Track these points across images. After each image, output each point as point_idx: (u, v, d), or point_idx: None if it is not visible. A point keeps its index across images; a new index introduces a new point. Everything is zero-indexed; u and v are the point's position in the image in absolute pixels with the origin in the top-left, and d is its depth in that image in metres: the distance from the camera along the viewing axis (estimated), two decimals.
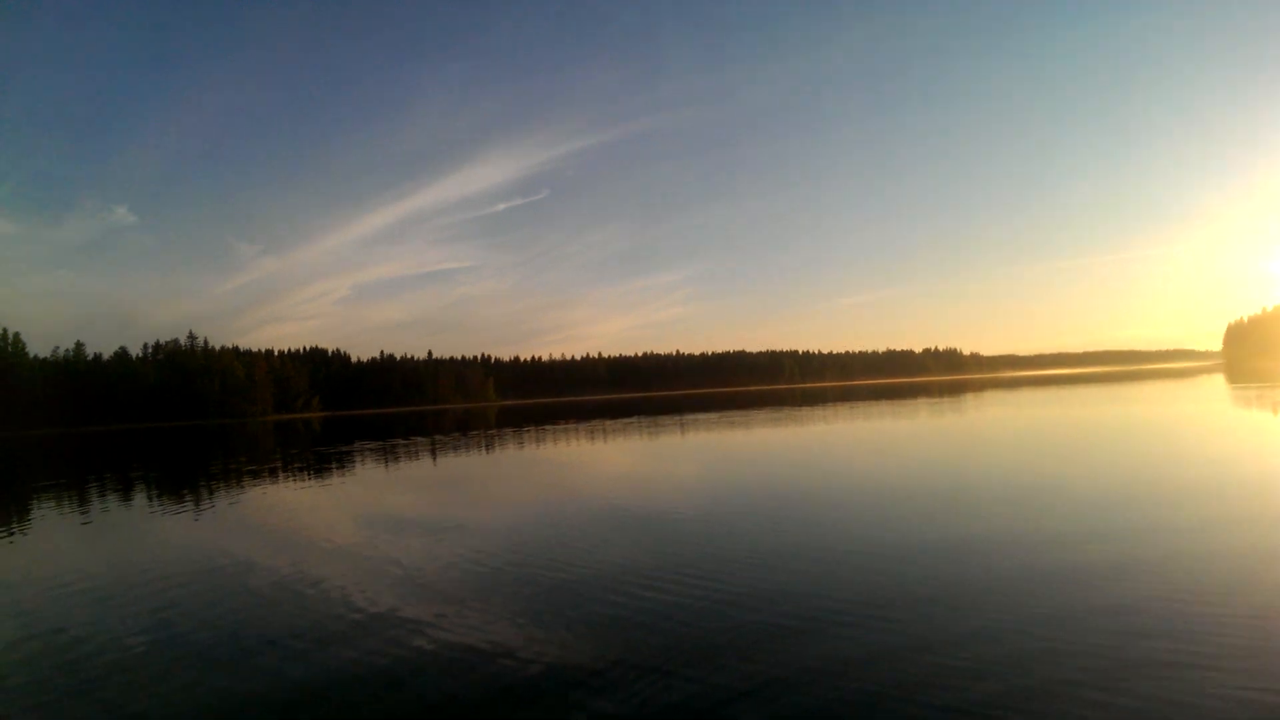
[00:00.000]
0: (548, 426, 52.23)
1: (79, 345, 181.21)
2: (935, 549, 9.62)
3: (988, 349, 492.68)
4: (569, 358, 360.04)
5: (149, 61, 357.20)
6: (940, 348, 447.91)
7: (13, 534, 15.47)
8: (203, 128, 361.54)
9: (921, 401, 60.54)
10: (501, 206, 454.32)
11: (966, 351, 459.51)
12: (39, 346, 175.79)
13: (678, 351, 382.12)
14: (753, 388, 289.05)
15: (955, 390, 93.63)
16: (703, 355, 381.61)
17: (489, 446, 35.01)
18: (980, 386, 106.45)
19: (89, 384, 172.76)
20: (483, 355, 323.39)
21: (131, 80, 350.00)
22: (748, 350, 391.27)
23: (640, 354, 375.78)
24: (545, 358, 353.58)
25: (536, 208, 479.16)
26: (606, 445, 32.43)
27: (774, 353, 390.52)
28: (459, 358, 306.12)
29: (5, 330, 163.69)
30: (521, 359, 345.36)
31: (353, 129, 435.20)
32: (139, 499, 20.60)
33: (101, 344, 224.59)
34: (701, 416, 54.53)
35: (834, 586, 8.21)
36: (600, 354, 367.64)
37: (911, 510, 12.48)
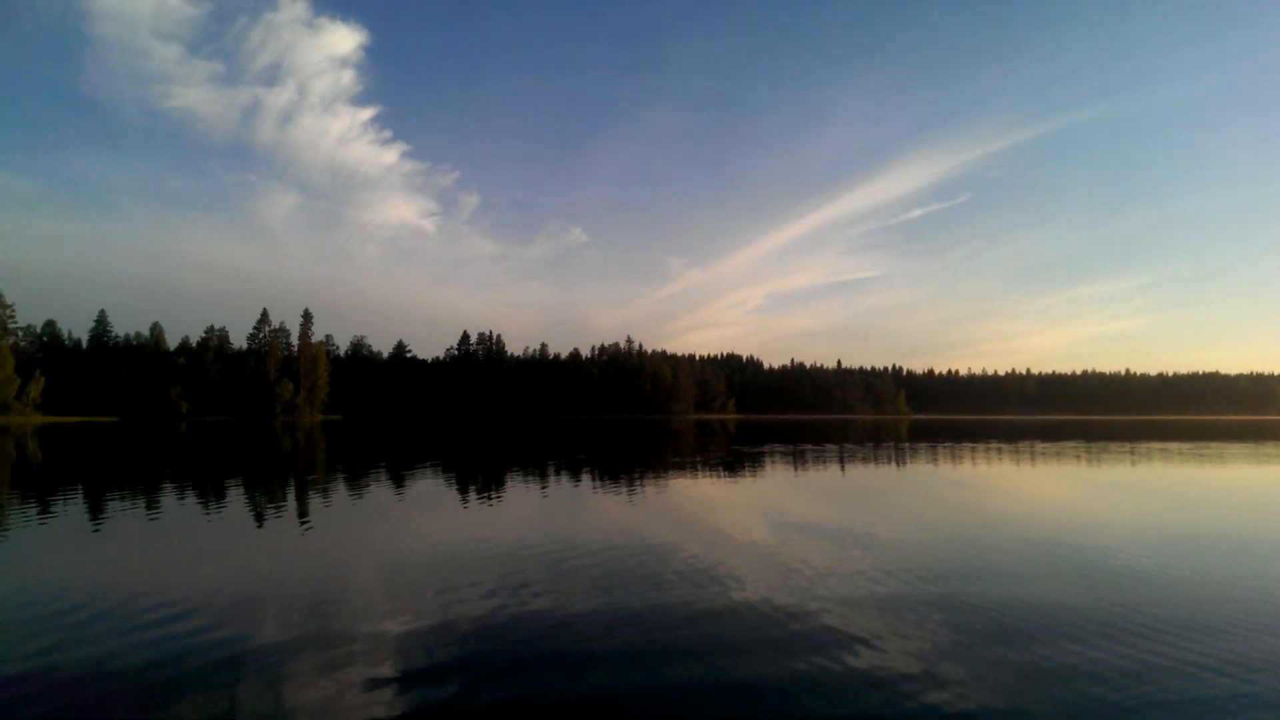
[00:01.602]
0: (967, 444, 48.26)
1: (543, 346, 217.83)
2: None
3: None
4: (990, 372, 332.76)
5: (597, 105, 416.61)
6: None
7: (492, 501, 18.57)
8: (640, 157, 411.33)
9: None
10: (917, 213, 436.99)
11: None
12: (514, 346, 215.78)
13: (1127, 371, 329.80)
14: (1229, 417, 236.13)
15: None
16: (1159, 376, 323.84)
17: (901, 460, 33.32)
18: None
19: (550, 378, 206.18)
20: (894, 366, 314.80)
21: (584, 121, 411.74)
22: (1222, 372, 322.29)
23: (1077, 371, 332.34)
24: (963, 371, 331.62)
25: (955, 213, 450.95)
26: (1041, 470, 28.65)
27: (1260, 376, 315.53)
28: (869, 368, 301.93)
29: (492, 332, 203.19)
30: (936, 372, 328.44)
31: (770, 145, 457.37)
32: (584, 479, 23.40)
33: (560, 345, 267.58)
34: (1161, 446, 45.76)
35: None
36: (1028, 370, 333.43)
37: None
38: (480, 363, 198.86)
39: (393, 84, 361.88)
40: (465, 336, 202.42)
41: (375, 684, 6.02)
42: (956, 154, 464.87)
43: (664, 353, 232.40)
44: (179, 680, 6.07)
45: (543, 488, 20.79)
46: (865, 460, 33.25)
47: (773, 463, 30.91)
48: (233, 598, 8.58)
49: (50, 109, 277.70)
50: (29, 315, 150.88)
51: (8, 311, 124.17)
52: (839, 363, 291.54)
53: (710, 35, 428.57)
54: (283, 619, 7.75)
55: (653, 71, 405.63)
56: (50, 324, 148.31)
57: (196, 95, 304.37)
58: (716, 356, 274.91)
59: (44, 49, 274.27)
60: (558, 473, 25.42)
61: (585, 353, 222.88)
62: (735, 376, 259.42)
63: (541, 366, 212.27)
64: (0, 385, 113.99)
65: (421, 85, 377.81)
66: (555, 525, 14.44)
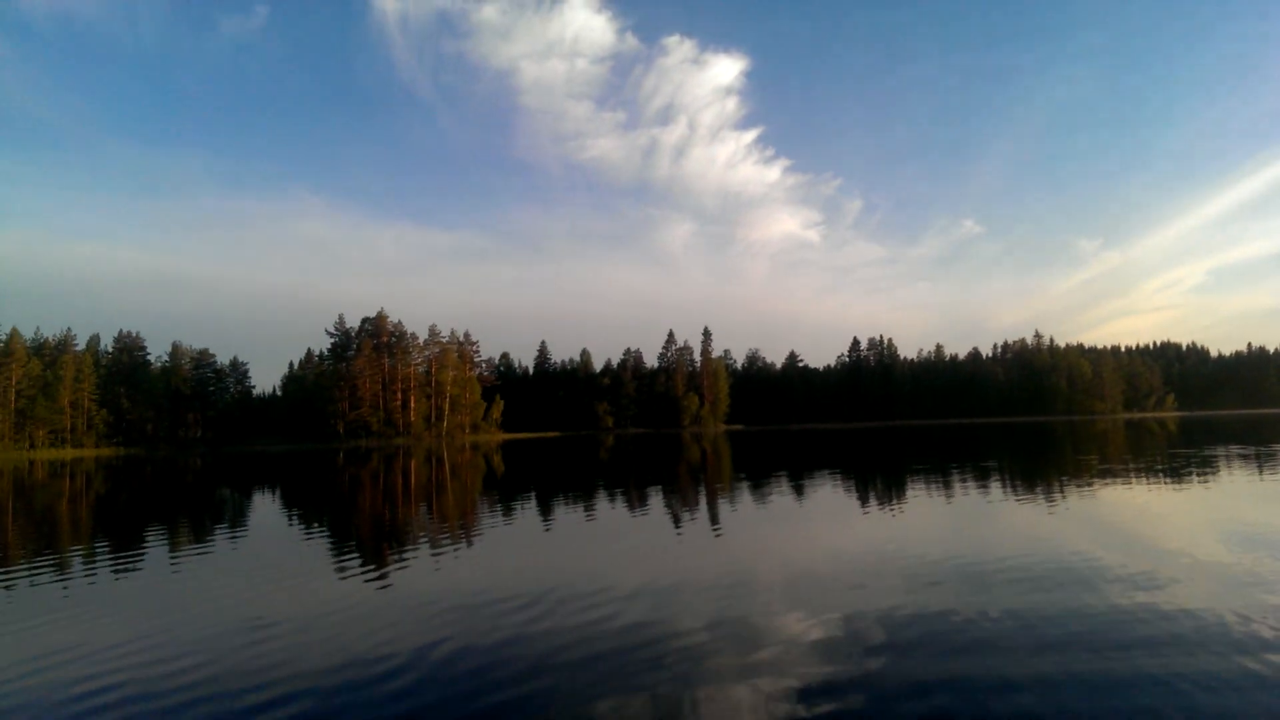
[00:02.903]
0: None
1: (938, 347, 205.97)
2: None
3: None
4: None
5: (982, 84, 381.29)
6: None
7: (894, 509, 17.81)
8: (1033, 134, 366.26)
9: None
10: None
11: None
12: (906, 349, 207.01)
13: None
14: None
15: None
16: None
17: None
18: None
19: (946, 381, 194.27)
20: None
21: (966, 107, 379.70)
22: None
23: None
24: None
25: None
26: None
27: None
28: None
29: (883, 337, 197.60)
30: None
31: (1202, 91, 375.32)
32: (993, 487, 21.34)
33: (956, 345, 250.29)
34: None
35: None
36: None
37: None
38: (871, 368, 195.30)
39: (772, 103, 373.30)
40: (855, 343, 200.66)
41: (784, 691, 5.92)
42: None
43: (1080, 346, 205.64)
44: (604, 674, 6.59)
45: (947, 495, 19.40)
46: None
47: (1228, 468, 25.20)
48: (653, 597, 9.21)
49: (494, 173, 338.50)
50: (489, 350, 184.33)
51: (474, 348, 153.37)
52: None
53: None
54: (698, 618, 8.10)
55: (1043, 39, 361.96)
56: (505, 356, 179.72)
57: (605, 144, 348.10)
58: (1147, 346, 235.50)
59: (486, 123, 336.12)
60: (962, 480, 23.56)
61: (986, 352, 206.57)
62: (1173, 368, 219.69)
63: (937, 369, 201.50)
64: (471, 409, 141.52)
65: (800, 99, 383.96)
66: (963, 534, 13.33)
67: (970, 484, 22.30)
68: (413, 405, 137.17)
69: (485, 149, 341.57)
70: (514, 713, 5.75)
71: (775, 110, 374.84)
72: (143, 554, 14.38)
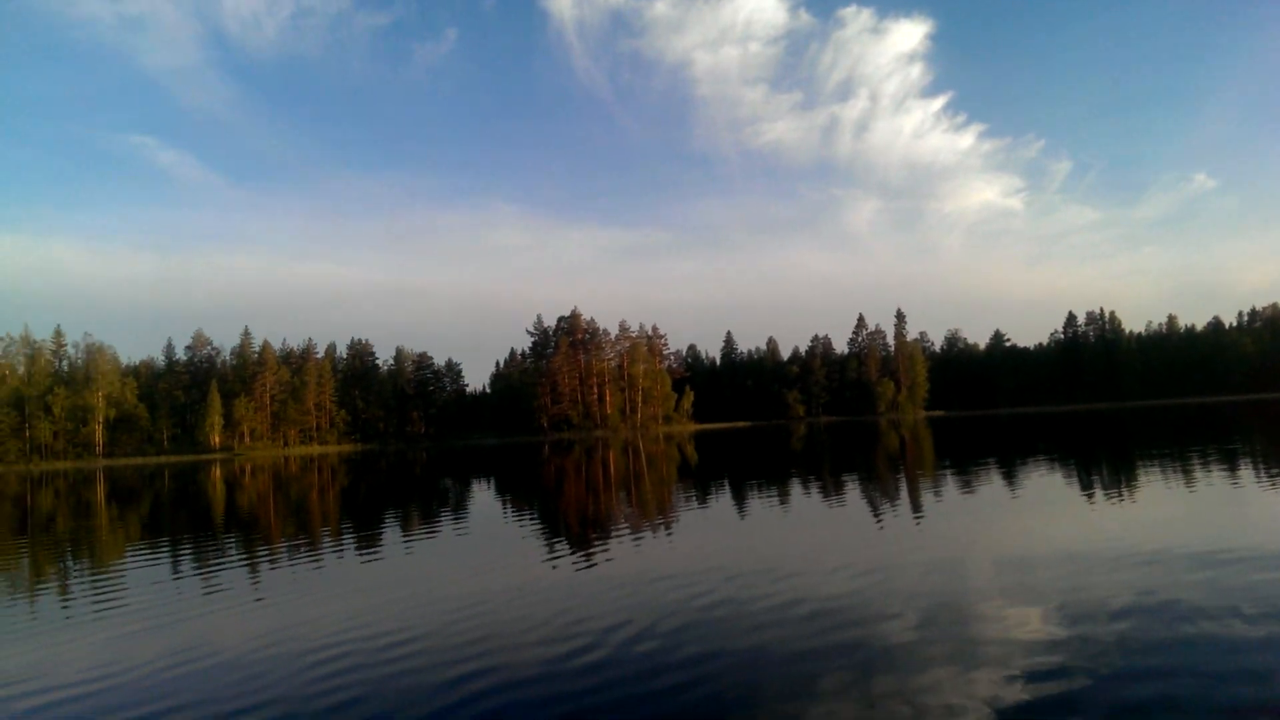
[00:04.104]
0: None
1: (1171, 318, 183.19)
2: None
3: None
4: None
5: (1204, 22, 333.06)
6: None
7: (1123, 499, 16.30)
8: (1273, 71, 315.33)
9: None
10: None
11: None
12: (1131, 322, 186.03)
13: None
14: None
15: None
16: None
17: None
18: None
19: (1181, 356, 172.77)
20: None
21: (1191, 47, 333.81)
22: None
23: None
24: None
25: None
26: None
27: None
28: None
29: (1103, 310, 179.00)
30: None
31: None
32: (1243, 472, 18.90)
33: (1192, 315, 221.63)
34: None
35: None
36: None
37: None
38: (1091, 345, 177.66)
39: (962, 66, 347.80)
40: (1070, 317, 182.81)
41: (1000, 689, 5.70)
42: None
43: None
44: (799, 668, 6.64)
45: (1187, 482, 17.34)
46: None
47: None
48: (853, 587, 9.11)
49: (672, 168, 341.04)
50: (676, 342, 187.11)
51: (662, 341, 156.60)
52: None
53: None
54: (903, 608, 7.94)
55: None
56: (692, 348, 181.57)
57: (782, 127, 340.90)
58: None
59: (663, 118, 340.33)
60: (1204, 465, 21.03)
61: (1229, 320, 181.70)
62: None
63: (1169, 343, 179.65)
64: (662, 401, 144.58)
65: (992, 58, 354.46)
66: (1202, 523, 11.97)
67: (1214, 470, 19.87)
68: (608, 399, 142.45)
69: (663, 144, 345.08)
70: (700, 699, 5.94)
71: (965, 73, 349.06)
72: (380, 538, 16.21)
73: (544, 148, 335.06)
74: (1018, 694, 5.53)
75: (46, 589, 12.33)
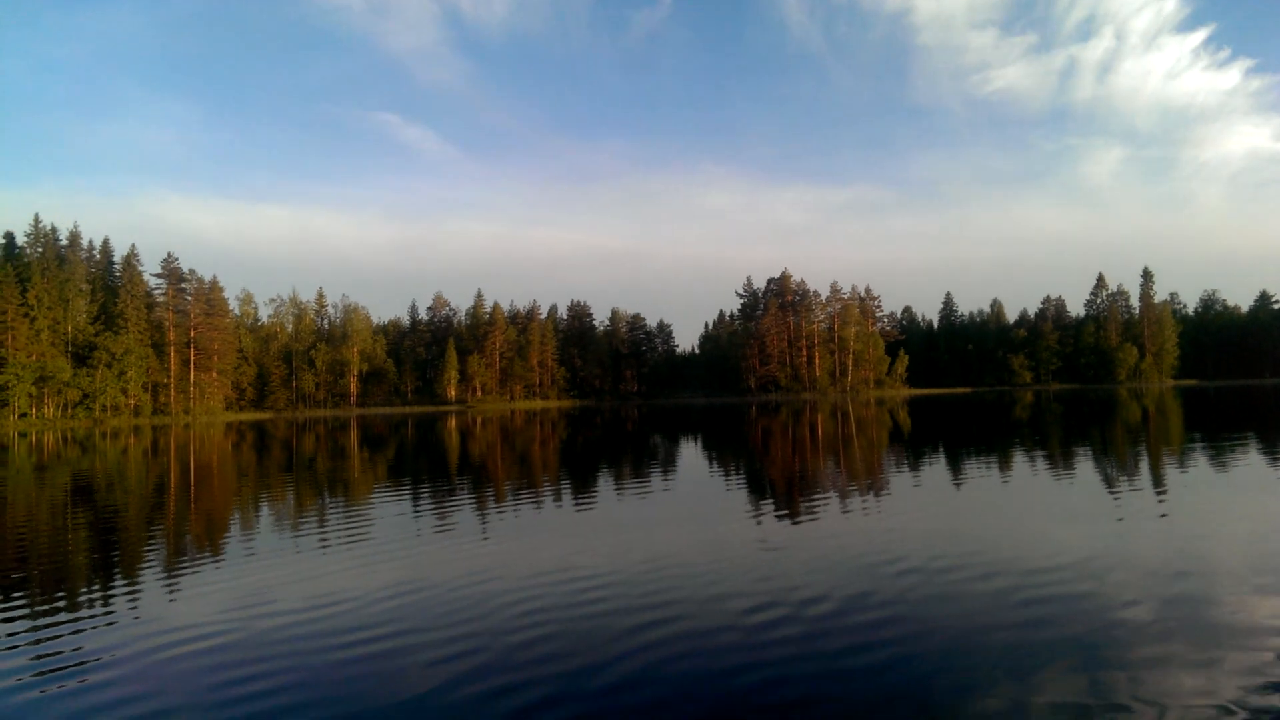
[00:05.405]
0: None
1: None
2: None
3: None
4: None
5: None
6: None
7: None
8: None
9: None
10: None
11: None
12: None
13: None
14: None
15: None
16: None
17: None
18: None
19: None
20: None
21: None
22: None
23: None
24: None
25: None
26: None
27: None
28: None
29: None
30: None
31: None
32: None
33: None
34: None
35: None
36: None
37: None
38: None
39: None
40: None
41: (1246, 695, 4.70)
42: None
43: None
44: (1027, 655, 5.94)
45: None
46: None
47: None
48: (1079, 577, 8.10)
49: (888, 122, 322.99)
50: (890, 304, 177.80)
51: (875, 303, 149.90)
52: None
53: None
54: (1140, 601, 6.95)
55: None
56: (907, 310, 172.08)
57: (1013, 73, 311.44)
58: None
59: (879, 70, 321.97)
60: None
61: None
62: None
63: None
64: (874, 364, 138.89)
65: None
66: None
67: None
68: (817, 361, 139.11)
69: (879, 98, 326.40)
70: (896, 686, 5.53)
71: (1230, 2, 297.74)
72: (595, 488, 16.87)
73: (755, 108, 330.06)
74: (1263, 699, 4.57)
75: (307, 519, 13.96)
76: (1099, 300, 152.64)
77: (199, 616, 7.47)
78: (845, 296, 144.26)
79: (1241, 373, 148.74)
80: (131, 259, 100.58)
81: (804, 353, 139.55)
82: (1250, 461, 17.39)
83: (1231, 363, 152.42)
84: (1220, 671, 5.20)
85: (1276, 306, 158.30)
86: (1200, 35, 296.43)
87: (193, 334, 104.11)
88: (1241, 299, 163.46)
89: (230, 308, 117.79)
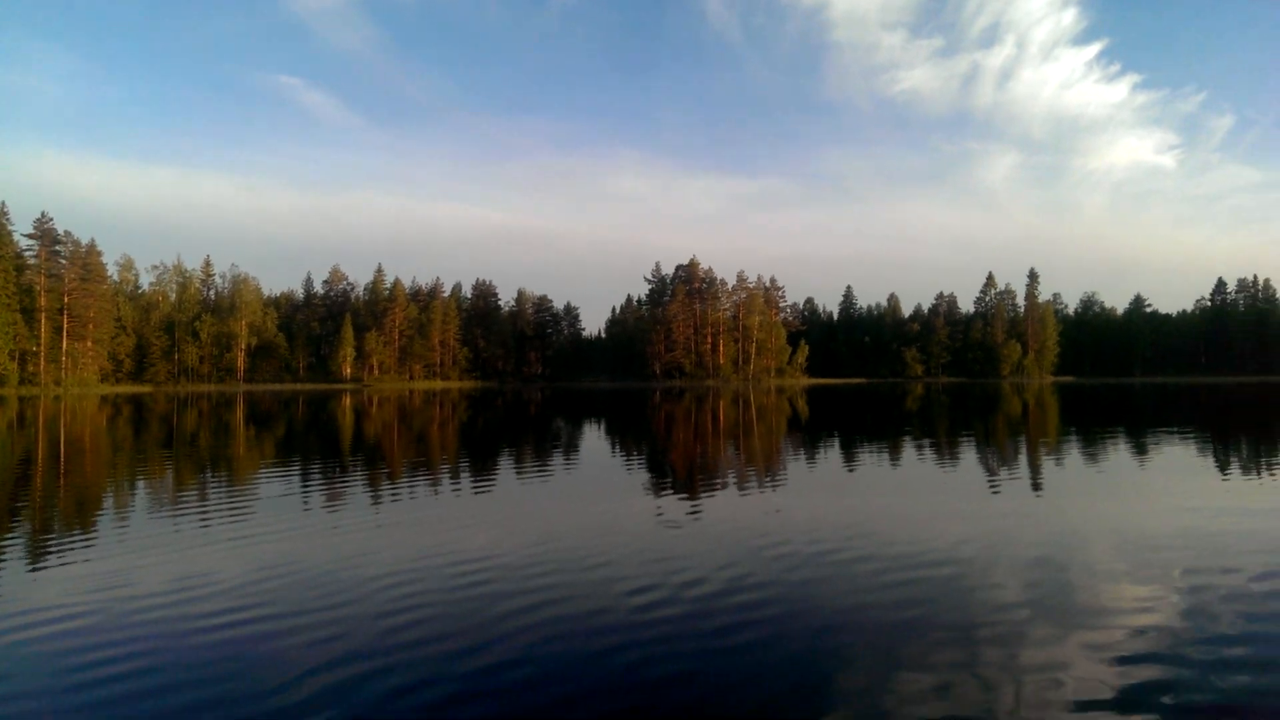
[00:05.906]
0: None
1: None
2: None
3: None
4: None
5: None
6: None
7: (1261, 476, 14.75)
8: None
9: None
10: None
11: None
12: None
13: None
14: None
15: None
16: None
17: None
18: None
19: None
20: None
21: None
22: None
23: None
24: None
25: None
26: None
27: None
28: None
29: (1257, 277, 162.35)
30: None
31: None
32: None
33: None
34: None
35: None
36: None
37: None
38: (1241, 314, 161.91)
39: (1120, 10, 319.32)
40: (1220, 284, 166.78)
41: (1101, 671, 5.22)
42: None
43: None
44: (904, 632, 6.33)
45: None
46: None
47: None
48: (956, 559, 8.63)
49: (800, 116, 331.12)
50: (794, 295, 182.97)
51: (779, 293, 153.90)
52: None
53: None
54: (1009, 584, 7.46)
55: None
56: (810, 301, 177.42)
57: (919, 75, 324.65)
58: None
59: (794, 64, 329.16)
60: None
61: None
62: None
63: None
64: (776, 354, 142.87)
65: (1154, 1, 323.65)
66: None
67: None
68: (721, 349, 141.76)
69: (792, 92, 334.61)
70: (776, 662, 5.75)
71: (1124, 18, 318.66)
72: (493, 471, 16.75)
73: (670, 95, 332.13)
74: (1118, 676, 5.08)
75: (186, 498, 13.35)
76: (988, 298, 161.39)
77: (63, 596, 7.06)
78: (751, 286, 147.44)
79: (1114, 371, 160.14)
80: (0, 217, 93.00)
81: (709, 340, 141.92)
82: (1119, 455, 18.78)
83: (1106, 361, 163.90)
84: (1075, 648, 5.62)
85: (1149, 310, 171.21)
86: (1095, 49, 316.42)
87: (66, 300, 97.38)
88: (1118, 301, 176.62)
89: (109, 274, 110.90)
